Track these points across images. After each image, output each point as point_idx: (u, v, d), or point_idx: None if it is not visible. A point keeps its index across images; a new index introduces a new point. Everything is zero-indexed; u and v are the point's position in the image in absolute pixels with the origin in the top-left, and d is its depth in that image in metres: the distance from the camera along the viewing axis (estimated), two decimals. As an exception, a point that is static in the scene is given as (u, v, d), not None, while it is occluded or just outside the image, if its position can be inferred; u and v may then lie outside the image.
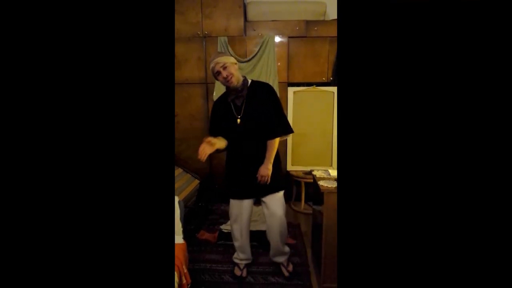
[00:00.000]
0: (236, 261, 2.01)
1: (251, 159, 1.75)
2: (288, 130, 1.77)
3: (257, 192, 1.80)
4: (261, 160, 1.73)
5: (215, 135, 1.74)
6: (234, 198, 1.85)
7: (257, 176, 1.72)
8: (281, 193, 1.83)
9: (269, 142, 1.73)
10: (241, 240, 1.93)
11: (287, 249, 1.98)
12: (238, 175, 1.80)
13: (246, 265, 2.01)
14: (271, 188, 1.78)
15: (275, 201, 1.81)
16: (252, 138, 1.74)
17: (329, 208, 1.70)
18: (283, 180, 1.92)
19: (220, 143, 1.69)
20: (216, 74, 1.68)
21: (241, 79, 1.74)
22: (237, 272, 1.97)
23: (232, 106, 1.76)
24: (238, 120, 1.72)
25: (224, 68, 1.65)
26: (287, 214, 1.92)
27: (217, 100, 1.89)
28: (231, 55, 2.83)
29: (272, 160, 1.73)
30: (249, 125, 1.72)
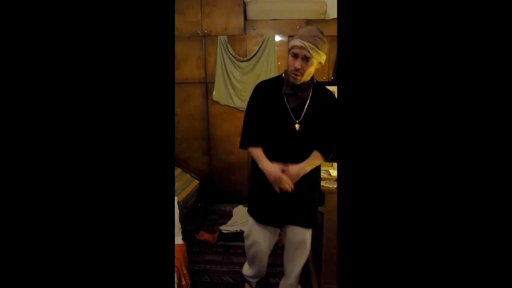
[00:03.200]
0: (248, 278, 1.74)
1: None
2: (336, 158, 1.40)
3: (287, 220, 1.46)
4: (303, 181, 1.35)
5: (254, 134, 1.37)
6: (258, 221, 1.50)
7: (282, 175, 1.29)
8: (310, 231, 1.51)
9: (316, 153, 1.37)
10: (260, 263, 1.63)
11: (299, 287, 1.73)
12: (270, 194, 1.39)
13: (258, 283, 1.78)
14: (301, 220, 1.45)
15: (302, 232, 1.47)
16: (303, 151, 1.36)
17: (330, 209, 1.69)
18: (316, 214, 1.51)
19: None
20: (291, 54, 1.27)
21: (310, 76, 1.31)
22: None
23: (287, 105, 1.34)
24: (297, 126, 1.33)
25: (305, 58, 1.23)
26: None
27: (259, 86, 1.42)
28: (231, 55, 2.86)
29: (309, 168, 1.35)
30: (307, 136, 1.32)
